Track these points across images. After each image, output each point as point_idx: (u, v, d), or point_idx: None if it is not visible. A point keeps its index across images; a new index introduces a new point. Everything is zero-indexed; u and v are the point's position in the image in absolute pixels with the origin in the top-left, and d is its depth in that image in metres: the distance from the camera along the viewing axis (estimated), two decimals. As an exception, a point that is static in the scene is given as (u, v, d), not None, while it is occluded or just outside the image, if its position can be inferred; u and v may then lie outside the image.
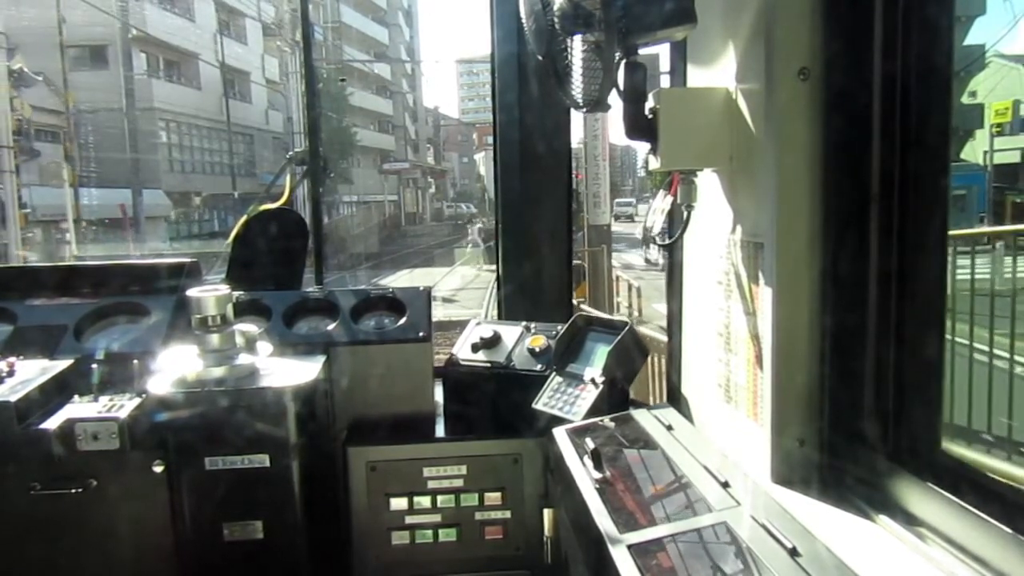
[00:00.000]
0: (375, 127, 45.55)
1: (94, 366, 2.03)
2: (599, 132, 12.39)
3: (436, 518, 2.13)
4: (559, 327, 2.20)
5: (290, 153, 2.89)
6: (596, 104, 1.56)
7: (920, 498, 1.27)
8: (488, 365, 2.22)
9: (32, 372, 1.99)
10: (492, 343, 2.26)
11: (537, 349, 2.20)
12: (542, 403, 2.04)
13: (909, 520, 1.27)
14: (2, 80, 17.91)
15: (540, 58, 1.65)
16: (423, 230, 40.88)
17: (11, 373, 1.98)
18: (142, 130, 26.29)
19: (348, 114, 38.33)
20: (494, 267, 2.80)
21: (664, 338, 2.29)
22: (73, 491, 1.90)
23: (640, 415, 1.90)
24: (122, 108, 25.19)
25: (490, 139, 2.76)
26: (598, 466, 1.59)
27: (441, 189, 57.82)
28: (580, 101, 1.61)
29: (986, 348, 4.19)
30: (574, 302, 3.06)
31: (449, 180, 59.84)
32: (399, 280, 20.02)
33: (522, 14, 1.64)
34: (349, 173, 37.80)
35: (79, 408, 1.92)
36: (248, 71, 32.69)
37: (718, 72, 1.68)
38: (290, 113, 32.11)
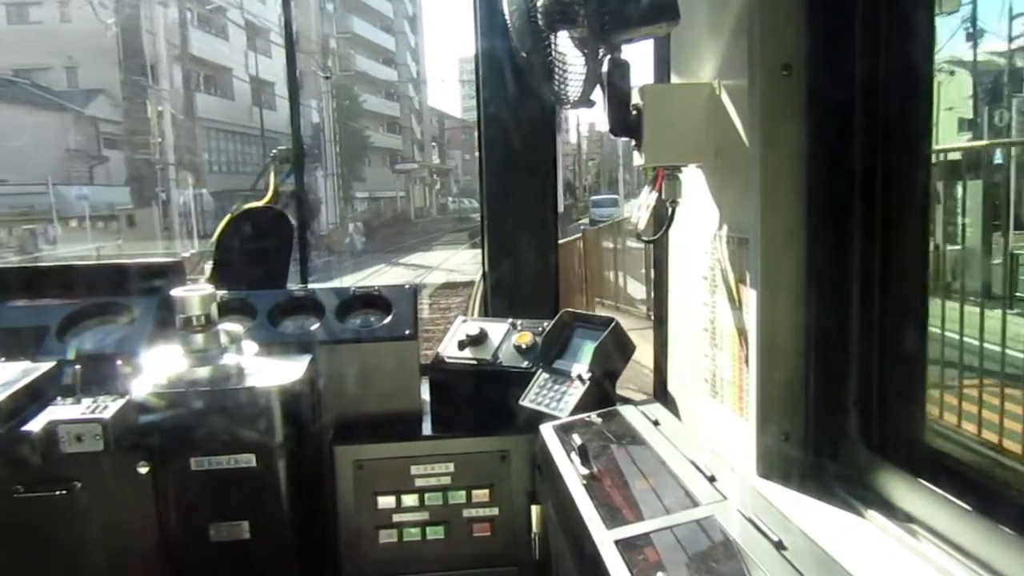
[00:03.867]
0: (384, 128, 48.66)
1: (77, 367, 2.01)
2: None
3: (424, 516, 2.13)
4: (545, 324, 2.20)
5: (273, 151, 2.87)
6: (580, 100, 1.56)
7: (904, 490, 1.28)
8: (475, 362, 2.21)
9: (14, 374, 1.97)
10: (478, 340, 2.25)
11: (523, 346, 2.20)
12: (529, 400, 2.04)
13: (893, 512, 1.28)
14: (168, 119, 24.58)
15: (524, 55, 1.65)
16: (430, 222, 44.89)
17: (-8, 375, 1.96)
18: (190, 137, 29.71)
19: (360, 118, 41.75)
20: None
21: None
22: (57, 493, 1.89)
23: (627, 411, 1.90)
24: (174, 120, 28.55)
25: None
26: (585, 462, 1.59)
27: (446, 186, 60.38)
28: (564, 98, 1.60)
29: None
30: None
31: (453, 177, 62.12)
32: (415, 259, 24.32)
33: (505, 11, 1.64)
34: (362, 172, 42.06)
35: (62, 410, 1.90)
36: (273, 82, 35.17)
37: (702, 68, 1.68)
38: (314, 119, 34.81)
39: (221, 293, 2.11)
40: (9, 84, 25.06)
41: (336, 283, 15.68)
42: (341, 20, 43.20)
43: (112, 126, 27.35)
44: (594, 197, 40.73)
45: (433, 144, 59.46)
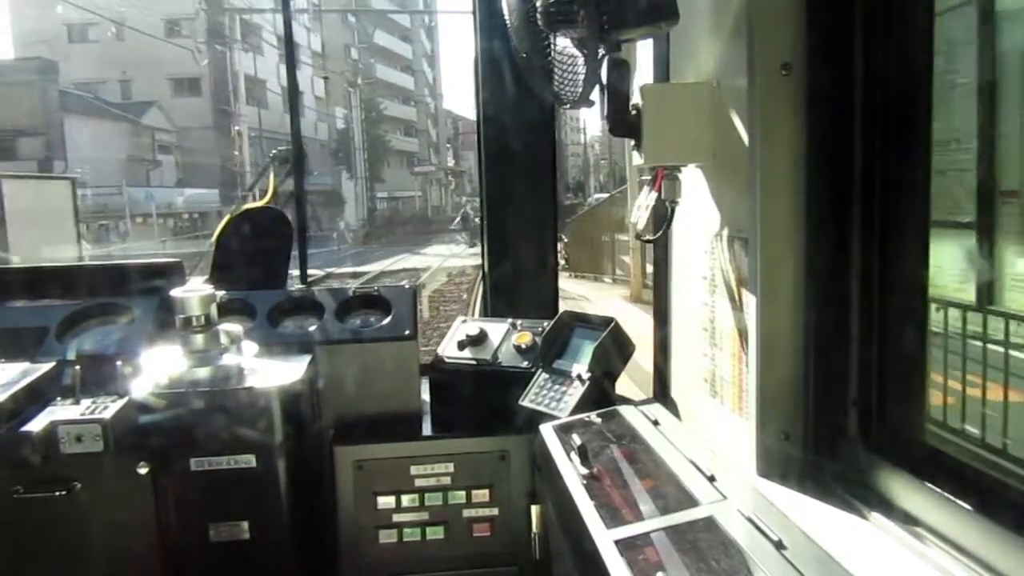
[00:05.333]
0: (401, 132, 56.07)
1: (77, 368, 2.01)
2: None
3: (423, 516, 2.13)
4: (545, 324, 2.20)
5: (273, 152, 2.87)
6: (579, 101, 1.56)
7: (904, 490, 1.28)
8: (474, 362, 2.21)
9: (13, 375, 1.97)
10: (478, 340, 2.25)
11: (523, 346, 2.20)
12: (528, 400, 2.04)
13: (893, 511, 1.28)
14: (245, 137, 30.89)
15: (524, 55, 1.65)
16: (445, 220, 48.76)
17: (-8, 376, 1.95)
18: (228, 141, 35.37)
19: (380, 123, 48.57)
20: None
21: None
22: (57, 494, 1.88)
23: (627, 411, 1.90)
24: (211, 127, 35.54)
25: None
26: (585, 462, 1.59)
27: (460, 186, 64.83)
28: (564, 98, 1.61)
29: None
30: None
31: (467, 178, 65.62)
32: (432, 250, 27.92)
33: (504, 10, 1.64)
34: (382, 173, 49.02)
35: (62, 410, 1.89)
36: (302, 91, 40.14)
37: (701, 68, 1.68)
38: (339, 125, 44.31)
39: (220, 293, 2.11)
40: (77, 98, 29.62)
41: (368, 267, 20.61)
42: (363, 32, 49.62)
43: (164, 134, 34.10)
44: (597, 196, 42.00)
45: (448, 146, 65.51)
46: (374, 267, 20.79)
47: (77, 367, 2.01)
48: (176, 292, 1.95)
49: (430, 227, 42.17)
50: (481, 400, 2.18)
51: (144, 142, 32.81)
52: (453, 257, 23.11)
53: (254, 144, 36.20)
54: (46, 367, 2.02)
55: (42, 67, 26.36)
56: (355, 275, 17.86)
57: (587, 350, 2.03)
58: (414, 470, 2.11)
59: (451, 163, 63.98)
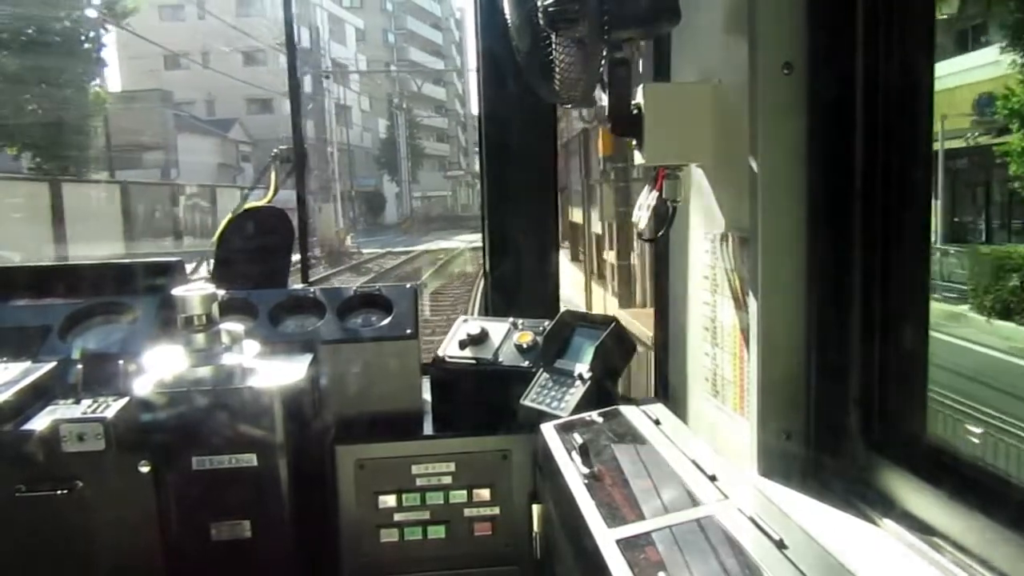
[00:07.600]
0: (434, 138, 64.31)
1: (79, 367, 2.01)
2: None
3: (425, 515, 2.13)
4: (546, 323, 2.20)
5: (274, 151, 2.86)
6: (580, 100, 1.56)
7: (905, 489, 1.28)
8: (475, 362, 2.21)
9: (15, 374, 1.97)
10: (479, 340, 2.25)
11: (524, 345, 2.20)
12: (530, 399, 2.03)
13: (894, 510, 1.28)
14: (336, 154, 35.38)
15: (524, 54, 1.65)
16: (471, 216, 55.55)
17: (-6, 375, 1.96)
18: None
19: (417, 131, 56.55)
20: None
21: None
22: (59, 493, 1.89)
23: (628, 410, 1.90)
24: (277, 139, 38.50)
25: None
26: (586, 461, 1.59)
27: None
28: (564, 97, 1.60)
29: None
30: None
31: None
32: (461, 237, 32.44)
33: (506, 9, 1.64)
34: (417, 176, 56.22)
35: (64, 409, 1.90)
36: (350, 105, 47.26)
37: (702, 67, 1.68)
38: (383, 134, 53.11)
39: (222, 293, 2.11)
40: (180, 117, 36.23)
41: (413, 248, 28.54)
42: (402, 51, 58.90)
43: (245, 146, 40.47)
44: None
45: (476, 150, 67.87)
46: (417, 248, 28.74)
47: (79, 366, 2.01)
48: (178, 291, 1.95)
49: (459, 222, 47.65)
50: (482, 399, 2.18)
51: (230, 152, 39.81)
52: (477, 242, 27.82)
53: (343, 155, 42.98)
54: (48, 366, 2.02)
55: (162, 96, 33.93)
56: (406, 252, 26.45)
57: (588, 349, 2.03)
58: (415, 469, 2.11)
59: (478, 167, 69.37)
